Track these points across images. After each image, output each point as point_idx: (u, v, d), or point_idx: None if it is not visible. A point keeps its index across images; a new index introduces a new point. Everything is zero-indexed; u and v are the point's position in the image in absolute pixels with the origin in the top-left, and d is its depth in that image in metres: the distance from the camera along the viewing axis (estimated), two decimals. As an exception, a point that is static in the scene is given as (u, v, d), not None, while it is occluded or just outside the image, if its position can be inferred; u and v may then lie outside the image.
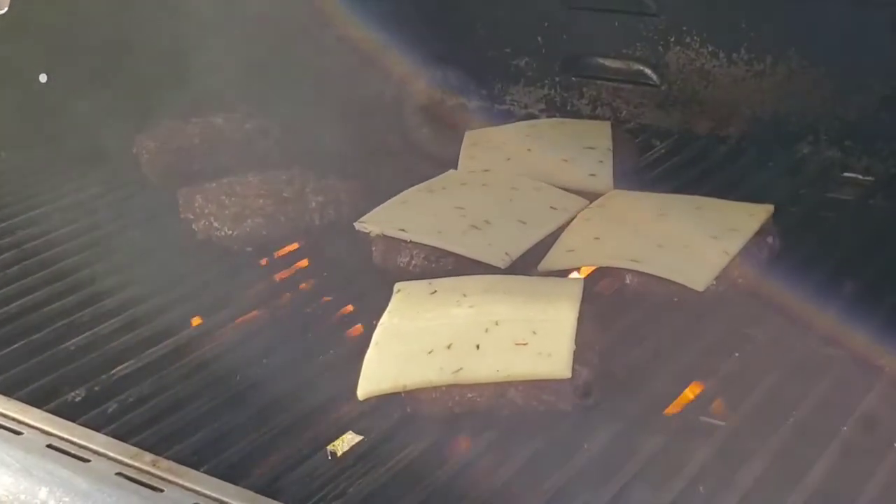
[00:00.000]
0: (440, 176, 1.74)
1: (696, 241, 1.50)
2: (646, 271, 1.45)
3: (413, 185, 1.72)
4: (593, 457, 1.24)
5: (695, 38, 2.03)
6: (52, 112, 2.03)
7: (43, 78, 2.09)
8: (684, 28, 2.03)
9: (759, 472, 1.19)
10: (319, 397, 1.35)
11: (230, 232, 1.66)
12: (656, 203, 1.63)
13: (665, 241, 1.50)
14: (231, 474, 1.17)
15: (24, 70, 2.05)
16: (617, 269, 1.48)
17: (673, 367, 1.38)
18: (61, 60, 2.06)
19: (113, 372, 1.39)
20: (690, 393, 1.37)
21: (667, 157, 1.98)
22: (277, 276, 1.63)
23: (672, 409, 1.34)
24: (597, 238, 1.55)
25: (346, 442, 1.34)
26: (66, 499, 1.09)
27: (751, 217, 1.55)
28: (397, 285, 1.45)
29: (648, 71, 2.09)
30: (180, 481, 1.10)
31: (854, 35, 1.87)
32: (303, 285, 1.61)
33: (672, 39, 2.05)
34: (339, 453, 1.28)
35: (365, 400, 1.29)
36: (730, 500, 1.15)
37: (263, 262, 1.65)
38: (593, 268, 1.52)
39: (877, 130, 1.87)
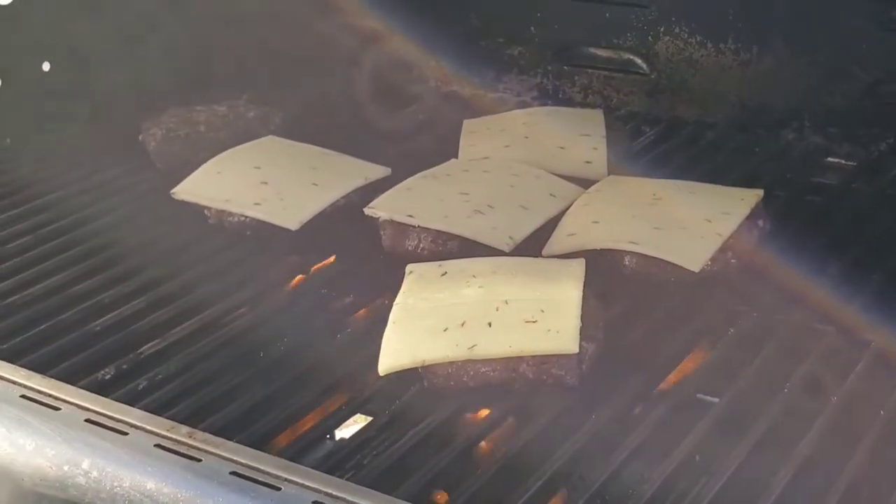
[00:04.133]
0: (443, 164, 1.81)
1: (691, 223, 1.57)
2: (644, 253, 1.52)
3: (415, 172, 1.77)
4: (598, 429, 1.31)
5: (683, 28, 2.10)
6: (55, 100, 2.06)
7: (46, 66, 2.13)
8: (673, 18, 2.10)
9: (753, 444, 1.26)
10: (338, 373, 1.41)
11: (242, 218, 1.71)
12: (651, 188, 1.69)
13: (661, 224, 1.57)
14: (261, 445, 1.23)
15: (27, 58, 2.09)
16: (616, 251, 1.54)
17: (671, 344, 1.45)
18: (64, 49, 2.10)
19: (140, 351, 1.45)
20: (688, 368, 1.45)
21: (657, 143, 2.05)
22: (290, 259, 1.68)
23: (671, 384, 1.42)
24: (596, 222, 1.61)
25: (364, 416, 1.40)
26: (109, 469, 1.14)
27: (742, 201, 1.62)
28: (409, 267, 1.51)
29: (638, 60, 2.16)
30: (217, 451, 1.15)
31: (837, 25, 1.95)
32: (315, 267, 1.67)
33: (661, 30, 2.12)
34: (358, 427, 1.35)
35: (384, 375, 1.35)
36: (726, 469, 1.22)
37: (276, 246, 1.70)
38: (594, 250, 1.58)
39: (859, 117, 1.96)
